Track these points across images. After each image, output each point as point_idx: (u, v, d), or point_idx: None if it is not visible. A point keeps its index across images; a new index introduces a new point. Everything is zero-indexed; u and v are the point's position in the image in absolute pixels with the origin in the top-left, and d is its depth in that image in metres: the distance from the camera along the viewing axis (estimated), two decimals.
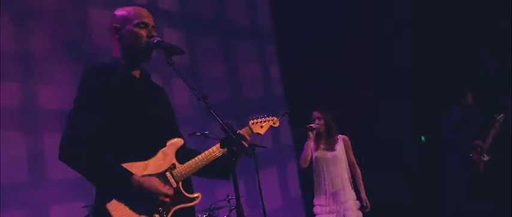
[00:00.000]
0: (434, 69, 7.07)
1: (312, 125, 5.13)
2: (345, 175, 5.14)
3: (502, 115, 6.10)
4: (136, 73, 2.54)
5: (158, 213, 2.33)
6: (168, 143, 2.45)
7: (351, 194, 5.07)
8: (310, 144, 5.11)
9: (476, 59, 6.83)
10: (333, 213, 4.97)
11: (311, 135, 5.11)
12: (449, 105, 6.26)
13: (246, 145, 2.46)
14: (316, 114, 5.21)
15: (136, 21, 2.47)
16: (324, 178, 5.08)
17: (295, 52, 7.71)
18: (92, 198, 2.36)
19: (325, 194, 5.04)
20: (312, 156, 5.14)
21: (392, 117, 7.10)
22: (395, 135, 7.08)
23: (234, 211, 5.54)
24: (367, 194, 5.21)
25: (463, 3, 6.87)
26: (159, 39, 2.45)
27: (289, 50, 7.86)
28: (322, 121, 5.18)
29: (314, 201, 5.13)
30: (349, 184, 5.12)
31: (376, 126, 7.14)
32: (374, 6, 7.30)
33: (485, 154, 6.01)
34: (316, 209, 5.08)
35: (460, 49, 6.89)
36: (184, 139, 2.53)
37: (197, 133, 4.88)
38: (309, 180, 5.30)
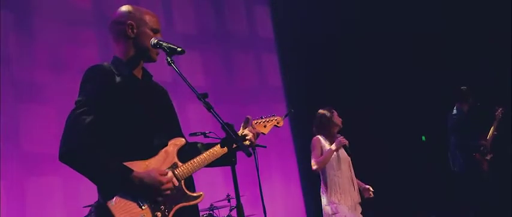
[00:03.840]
0: (435, 69, 7.07)
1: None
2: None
3: (501, 109, 6.10)
4: (138, 73, 2.54)
5: (160, 211, 2.32)
6: (169, 143, 2.46)
7: (359, 193, 4.96)
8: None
9: (477, 58, 6.83)
10: (351, 212, 4.78)
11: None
12: (450, 104, 6.25)
13: (254, 140, 2.46)
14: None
15: (154, 27, 2.50)
16: (339, 177, 4.86)
17: (295, 52, 7.73)
18: (92, 199, 2.37)
19: (342, 193, 4.82)
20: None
21: (393, 116, 7.10)
22: (396, 134, 7.08)
23: (234, 211, 5.55)
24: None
25: (463, 3, 6.88)
26: (159, 38, 2.46)
27: (288, 48, 7.87)
28: (340, 119, 5.03)
29: (329, 199, 4.82)
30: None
31: (375, 126, 7.14)
32: (375, 6, 7.30)
33: (488, 153, 5.99)
34: (334, 207, 4.79)
35: (460, 48, 6.89)
36: (186, 139, 2.53)
37: (198, 133, 4.90)
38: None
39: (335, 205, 4.77)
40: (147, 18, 2.51)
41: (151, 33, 2.48)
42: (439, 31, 7.09)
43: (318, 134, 4.99)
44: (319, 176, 4.97)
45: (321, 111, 5.07)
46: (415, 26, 7.17)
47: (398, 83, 7.21)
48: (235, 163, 2.26)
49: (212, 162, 2.53)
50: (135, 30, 2.48)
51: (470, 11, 6.86)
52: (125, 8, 2.54)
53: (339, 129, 5.01)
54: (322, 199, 4.90)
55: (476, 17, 6.82)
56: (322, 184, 4.92)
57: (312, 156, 4.90)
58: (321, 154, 4.84)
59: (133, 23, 2.49)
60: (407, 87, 7.20)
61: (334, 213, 4.76)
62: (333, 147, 4.80)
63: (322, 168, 4.86)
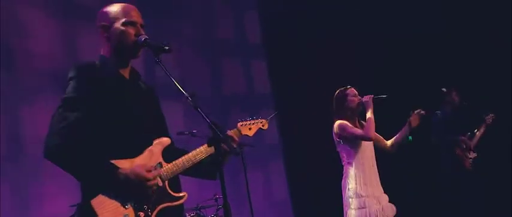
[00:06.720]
0: (423, 68, 7.10)
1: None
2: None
3: (492, 115, 6.09)
4: (125, 72, 2.53)
5: (143, 211, 2.32)
6: (154, 142, 2.45)
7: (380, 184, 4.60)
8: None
9: (464, 57, 6.86)
10: (379, 204, 4.45)
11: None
12: (436, 103, 6.27)
13: (234, 146, 2.46)
14: (354, 91, 4.64)
15: (124, 20, 2.46)
16: (367, 165, 4.52)
17: (285, 49, 7.72)
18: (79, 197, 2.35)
19: (365, 184, 4.45)
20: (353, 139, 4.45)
21: (382, 115, 7.11)
22: (384, 134, 7.09)
23: (221, 210, 5.54)
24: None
25: (454, 2, 6.91)
26: (146, 37, 2.44)
27: (278, 46, 7.87)
28: (356, 98, 4.61)
29: (354, 191, 4.40)
30: None
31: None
32: (365, 6, 7.32)
33: (471, 152, 6.02)
34: (361, 201, 4.40)
35: (449, 47, 6.93)
36: (171, 139, 2.52)
37: (185, 133, 4.90)
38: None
39: (363, 198, 4.40)
40: (119, 13, 2.48)
41: (125, 28, 2.45)
42: (427, 29, 7.12)
43: (338, 119, 4.57)
44: (341, 167, 4.58)
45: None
46: (407, 26, 7.19)
47: (388, 84, 7.22)
48: (222, 163, 2.25)
49: (198, 171, 2.54)
50: (110, 30, 2.47)
51: (461, 9, 6.88)
52: (100, 10, 2.54)
53: (357, 107, 4.58)
54: (344, 191, 4.49)
55: (475, 17, 6.83)
56: (344, 174, 4.53)
57: (352, 133, 4.45)
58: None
59: (105, 23, 2.48)
60: (396, 88, 7.22)
61: (361, 208, 4.39)
62: (369, 113, 4.50)
63: (348, 158, 4.50)
